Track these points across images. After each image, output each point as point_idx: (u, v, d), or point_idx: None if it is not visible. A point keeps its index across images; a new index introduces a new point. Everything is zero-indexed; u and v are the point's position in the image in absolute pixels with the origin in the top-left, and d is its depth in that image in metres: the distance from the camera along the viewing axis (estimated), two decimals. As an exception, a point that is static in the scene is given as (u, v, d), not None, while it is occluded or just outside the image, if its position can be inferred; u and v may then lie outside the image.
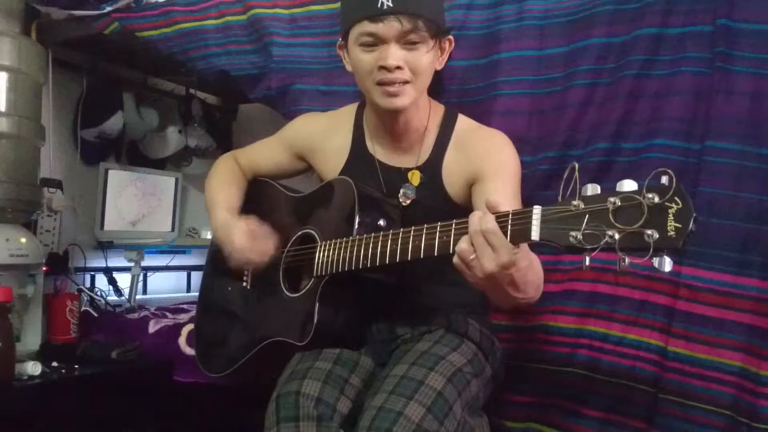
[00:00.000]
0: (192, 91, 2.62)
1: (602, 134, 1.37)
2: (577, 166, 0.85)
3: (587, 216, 0.83)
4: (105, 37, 1.96)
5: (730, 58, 1.24)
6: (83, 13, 1.91)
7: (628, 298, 1.34)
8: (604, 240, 0.81)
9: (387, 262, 1.10)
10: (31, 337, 1.71)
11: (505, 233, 0.92)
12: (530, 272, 1.01)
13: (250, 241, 1.30)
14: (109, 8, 1.89)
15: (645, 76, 1.32)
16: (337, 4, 1.68)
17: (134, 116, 2.38)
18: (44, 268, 1.74)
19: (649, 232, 0.78)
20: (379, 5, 1.16)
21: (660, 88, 1.31)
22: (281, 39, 1.71)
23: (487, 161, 1.25)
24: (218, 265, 1.52)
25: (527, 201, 1.29)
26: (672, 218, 0.77)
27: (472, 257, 0.95)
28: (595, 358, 1.36)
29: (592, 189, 0.84)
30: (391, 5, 1.16)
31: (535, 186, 1.42)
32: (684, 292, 1.26)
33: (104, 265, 2.26)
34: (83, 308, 1.91)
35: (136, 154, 2.49)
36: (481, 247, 0.93)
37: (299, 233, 1.35)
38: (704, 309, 1.24)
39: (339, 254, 1.18)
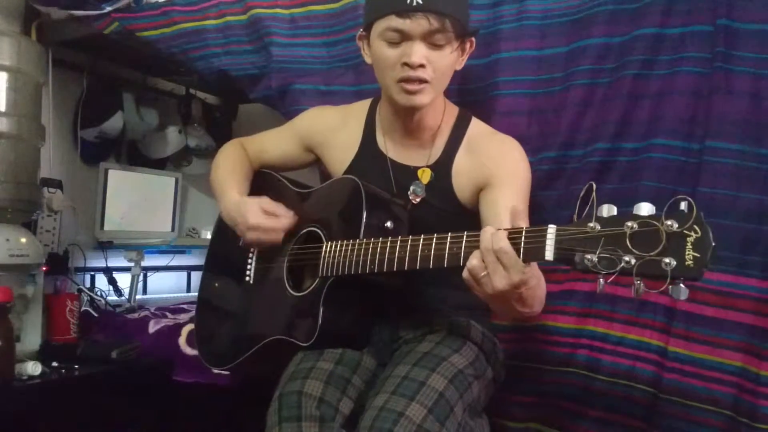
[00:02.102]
0: (192, 91, 2.62)
1: (602, 134, 1.36)
2: (594, 186, 0.83)
3: (603, 239, 0.81)
4: (105, 37, 1.96)
5: (730, 58, 1.24)
6: (83, 13, 1.91)
7: (628, 298, 1.33)
8: (620, 265, 0.79)
9: (395, 269, 1.09)
10: (31, 337, 1.71)
11: (517, 251, 0.91)
12: (539, 289, 1.00)
13: (264, 218, 1.29)
14: (109, 8, 1.89)
15: (645, 76, 1.32)
16: (336, 4, 1.68)
17: (134, 116, 2.38)
18: (44, 268, 1.74)
19: (666, 260, 0.76)
20: (408, 1, 1.15)
21: (660, 88, 1.31)
22: (281, 39, 1.72)
23: (498, 167, 1.24)
24: (220, 258, 1.52)
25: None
26: (690, 247, 0.76)
27: (483, 274, 0.94)
28: (595, 358, 1.36)
29: (608, 210, 0.82)
30: (420, 2, 1.14)
31: (535, 186, 1.40)
32: (684, 292, 1.26)
33: (104, 265, 2.26)
34: (83, 308, 1.91)
35: (136, 154, 2.48)
36: (493, 266, 0.92)
37: (304, 231, 1.34)
38: (704, 309, 1.24)
39: (345, 256, 1.17)
